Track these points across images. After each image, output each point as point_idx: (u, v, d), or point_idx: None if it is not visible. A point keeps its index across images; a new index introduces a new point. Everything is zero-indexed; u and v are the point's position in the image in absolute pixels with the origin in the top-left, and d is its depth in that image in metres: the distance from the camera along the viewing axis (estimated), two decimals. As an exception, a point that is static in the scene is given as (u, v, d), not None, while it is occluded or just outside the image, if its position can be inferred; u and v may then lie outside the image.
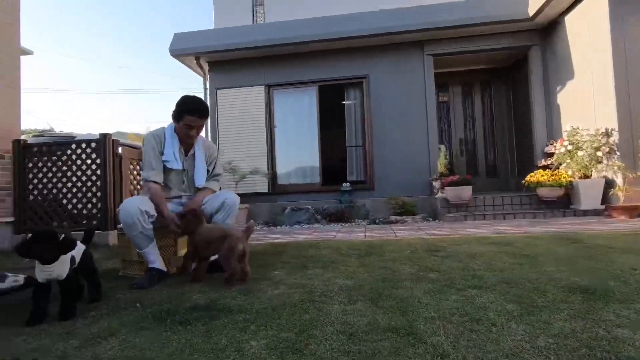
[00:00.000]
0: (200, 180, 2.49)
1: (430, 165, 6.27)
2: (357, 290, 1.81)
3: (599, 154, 4.72)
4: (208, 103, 6.88)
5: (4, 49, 4.19)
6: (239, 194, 6.54)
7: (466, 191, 5.23)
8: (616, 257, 2.29)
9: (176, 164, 2.42)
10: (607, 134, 4.74)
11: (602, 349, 1.08)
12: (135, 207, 2.19)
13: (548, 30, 6.06)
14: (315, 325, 1.37)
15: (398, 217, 5.55)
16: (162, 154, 2.39)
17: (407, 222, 5.34)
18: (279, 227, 5.64)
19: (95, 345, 1.30)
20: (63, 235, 1.62)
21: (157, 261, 2.30)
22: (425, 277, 2.01)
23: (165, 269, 2.33)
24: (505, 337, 1.20)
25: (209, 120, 6.88)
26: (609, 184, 4.78)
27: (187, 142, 2.47)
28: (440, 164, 5.99)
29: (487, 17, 5.92)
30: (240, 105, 6.82)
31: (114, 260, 3.01)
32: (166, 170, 2.42)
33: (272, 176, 6.70)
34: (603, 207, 4.75)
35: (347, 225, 5.52)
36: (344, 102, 6.88)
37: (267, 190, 6.61)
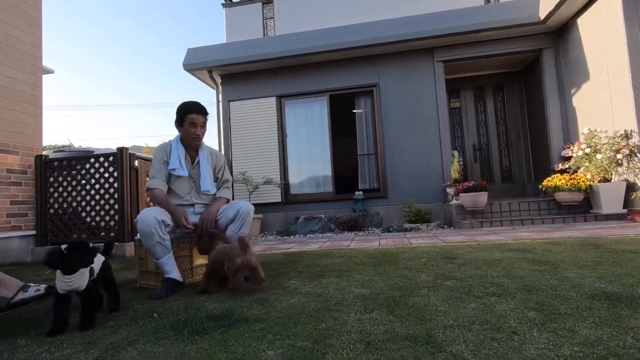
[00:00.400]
0: (206, 185, 2.54)
1: (444, 172, 6.21)
2: (373, 299, 1.79)
3: (619, 156, 4.59)
4: (221, 115, 7.03)
5: (27, 69, 4.36)
6: (252, 204, 6.60)
7: (482, 197, 5.14)
8: (642, 262, 2.21)
9: (182, 171, 2.49)
10: (627, 136, 4.62)
11: (631, 357, 1.04)
12: (152, 217, 2.23)
13: (560, 32, 5.99)
14: (332, 334, 1.36)
15: (412, 225, 5.49)
16: (167, 163, 2.49)
17: (421, 230, 5.27)
18: (292, 237, 5.65)
19: (115, 354, 1.31)
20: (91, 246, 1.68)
21: (173, 271, 2.32)
22: (442, 285, 1.98)
23: (181, 279, 2.35)
24: (528, 345, 1.16)
25: (222, 132, 7.00)
26: (631, 187, 4.64)
27: (193, 147, 2.56)
28: (454, 170, 5.93)
29: (497, 22, 5.90)
30: (252, 116, 6.92)
31: (132, 271, 3.06)
32: (174, 179, 2.51)
33: (285, 186, 6.74)
34: (625, 210, 4.61)
35: (360, 233, 5.48)
36: (354, 111, 6.90)
37: (280, 200, 6.64)
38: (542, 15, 5.68)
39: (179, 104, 2.54)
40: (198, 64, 6.85)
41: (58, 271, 1.62)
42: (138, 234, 2.29)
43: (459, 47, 6.34)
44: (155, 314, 1.77)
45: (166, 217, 2.32)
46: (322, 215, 6.22)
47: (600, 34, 5.06)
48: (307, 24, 8.01)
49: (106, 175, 4.25)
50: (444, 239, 4.01)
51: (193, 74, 7.15)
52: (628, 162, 4.66)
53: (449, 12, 6.28)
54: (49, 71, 6.97)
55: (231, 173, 6.70)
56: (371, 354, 1.17)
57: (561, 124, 6.04)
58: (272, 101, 6.88)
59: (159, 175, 2.47)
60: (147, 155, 5.01)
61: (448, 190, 5.87)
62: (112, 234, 4.16)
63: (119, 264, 3.62)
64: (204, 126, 2.54)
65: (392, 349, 1.20)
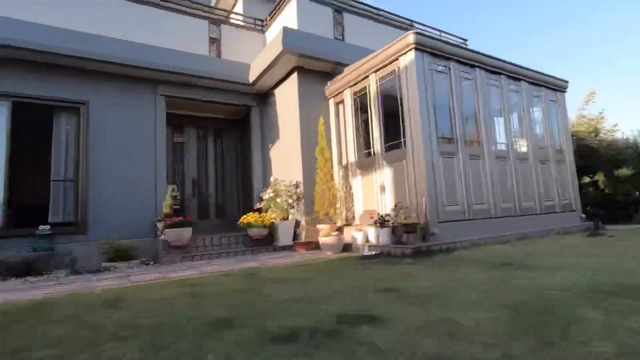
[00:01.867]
0: None
1: (157, 206, 6.10)
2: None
3: (291, 200, 6.02)
4: None
5: None
6: None
7: (186, 232, 5.36)
8: (267, 287, 2.89)
9: None
10: (297, 185, 6.15)
11: None
12: None
13: (265, 96, 7.42)
14: None
15: (110, 264, 4.98)
16: None
17: (118, 269, 4.86)
18: None
19: None
20: None
21: None
22: (77, 336, 1.83)
23: None
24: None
25: None
26: (298, 225, 6.14)
27: None
28: (166, 205, 5.93)
29: (214, 73, 6.63)
30: None
31: None
32: None
33: None
34: (293, 242, 6.02)
35: (35, 279, 4.42)
36: (52, 128, 5.74)
37: None
38: (251, 79, 6.89)
39: None
40: None
41: None
42: None
43: (183, 86, 6.64)
44: None
45: None
46: (-22, 258, 4.61)
47: (287, 105, 6.63)
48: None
49: None
50: (133, 279, 3.83)
51: None
52: (297, 205, 6.17)
53: (175, 51, 6.50)
54: None
55: None
56: None
57: (262, 170, 7.34)
58: None
59: None
60: None
61: (158, 225, 5.78)
62: None
63: None
64: None
65: None
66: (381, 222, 4.75)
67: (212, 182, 7.95)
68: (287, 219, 6.20)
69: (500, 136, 5.90)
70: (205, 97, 6.86)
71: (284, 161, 6.64)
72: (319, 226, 5.70)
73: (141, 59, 6.04)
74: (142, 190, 6.07)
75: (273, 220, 6.02)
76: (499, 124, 5.99)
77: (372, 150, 5.61)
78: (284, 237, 6.00)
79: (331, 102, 6.53)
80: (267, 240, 6.14)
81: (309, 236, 5.89)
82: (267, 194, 6.16)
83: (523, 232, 5.45)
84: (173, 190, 6.09)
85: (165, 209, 5.86)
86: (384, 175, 5.32)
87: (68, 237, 5.44)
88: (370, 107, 5.62)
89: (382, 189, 5.33)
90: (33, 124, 5.61)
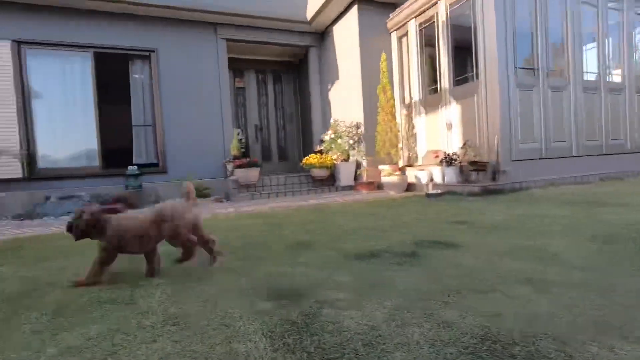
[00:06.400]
0: None
1: (225, 148, 6.47)
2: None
3: (352, 142, 6.02)
4: None
5: None
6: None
7: (254, 173, 5.69)
8: (337, 218, 3.03)
9: None
10: (357, 127, 6.10)
11: (278, 282, 1.44)
12: None
13: (323, 35, 7.17)
14: (26, 310, 1.26)
15: (190, 200, 5.50)
16: None
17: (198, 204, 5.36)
18: (36, 220, 4.63)
19: None
20: None
21: None
22: (178, 251, 2.12)
23: None
24: (212, 287, 1.43)
25: None
26: (359, 166, 6.18)
27: None
28: (234, 147, 6.26)
29: (272, 12, 6.48)
30: (-29, 62, 5.11)
31: None
32: None
33: (29, 158, 5.39)
34: (354, 183, 6.12)
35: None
36: (131, 76, 6.17)
37: (21, 176, 5.28)
38: (309, 16, 6.64)
39: None
40: None
41: None
42: None
43: (242, 28, 6.62)
44: None
45: None
46: (84, 194, 5.37)
47: (346, 43, 6.36)
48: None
49: None
50: (212, 212, 4.23)
51: None
52: (358, 146, 6.17)
53: (233, -9, 6.42)
54: None
55: None
56: (56, 320, 1.16)
57: (321, 112, 7.33)
58: (5, 46, 5.26)
59: None
60: None
61: (227, 166, 6.18)
62: None
63: None
64: None
65: (92, 311, 1.22)
66: (448, 161, 4.60)
67: (273, 126, 8.15)
68: (347, 160, 6.26)
69: (590, 64, 5.19)
70: (263, 39, 6.81)
71: (344, 102, 6.54)
72: (380, 167, 5.69)
73: (201, 2, 6.06)
74: (210, 133, 6.44)
75: (334, 162, 6.11)
76: (589, 49, 5.24)
77: (438, 86, 5.29)
78: (345, 177, 6.11)
79: (393, 37, 6.14)
80: (329, 180, 6.31)
81: (370, 177, 5.93)
82: (328, 136, 6.21)
83: (609, 172, 4.97)
84: (238, 134, 6.39)
85: (233, 151, 6.20)
86: (451, 112, 5.04)
87: (152, 176, 6.06)
88: (438, 38, 5.19)
89: (449, 127, 5.09)
90: (112, 73, 6.06)
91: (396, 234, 2.28)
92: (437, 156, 4.93)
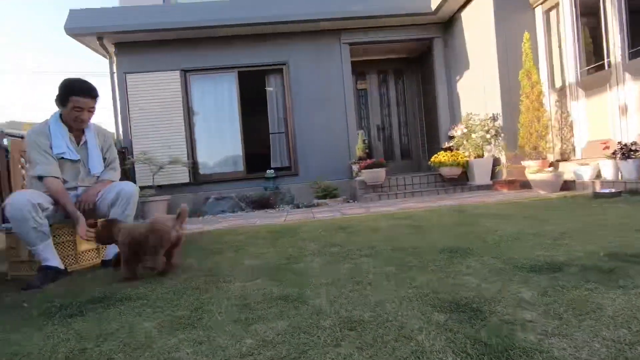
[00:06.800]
0: (96, 168, 2.37)
1: (350, 150, 6.62)
2: (260, 268, 1.93)
3: (488, 136, 5.42)
4: (116, 89, 6.40)
5: None
6: (157, 186, 6.20)
7: (380, 173, 5.64)
8: (486, 222, 2.73)
9: (72, 155, 2.27)
10: (494, 119, 5.46)
11: (445, 293, 1.33)
12: (25, 199, 2.02)
13: (448, 24, 6.68)
14: (213, 302, 1.45)
15: (320, 201, 5.80)
16: (51, 147, 2.21)
17: (328, 205, 5.61)
18: (201, 218, 5.53)
19: (-32, 347, 1.22)
20: None
21: (52, 259, 2.15)
22: (327, 252, 2.20)
23: (62, 267, 2.20)
24: (376, 292, 1.40)
25: (118, 108, 6.39)
26: (496, 162, 5.53)
27: (77, 129, 2.32)
28: (359, 149, 6.35)
29: (396, 8, 6.33)
30: (154, 91, 6.42)
31: (2, 264, 2.73)
32: (59, 163, 2.25)
33: (194, 166, 6.49)
34: (492, 182, 5.50)
35: (271, 211, 5.61)
36: (265, 89, 6.86)
37: (188, 181, 6.39)
38: (433, 6, 6.26)
39: (64, 79, 2.19)
40: (85, 28, 6.04)
41: None
42: (9, 221, 2.06)
43: (363, 31, 6.67)
44: (25, 304, 1.66)
45: (44, 199, 2.12)
46: (233, 195, 6.18)
47: (477, 28, 5.78)
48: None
49: (-35, 156, 3.61)
50: (344, 212, 4.35)
51: (79, 41, 6.31)
52: (495, 141, 5.52)
53: (355, -5, 6.52)
54: None
55: (132, 153, 6.20)
56: (243, 314, 1.29)
57: (448, 107, 6.84)
58: (176, 75, 6.45)
59: (48, 161, 2.17)
60: (21, 132, 4.37)
61: (353, 167, 6.30)
62: (-21, 224, 3.60)
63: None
64: (91, 110, 2.27)
65: (264, 308, 1.34)
66: (624, 152, 3.71)
67: (395, 124, 7.99)
68: (482, 156, 5.68)
69: None
70: (385, 38, 6.72)
71: (476, 93, 5.95)
72: (524, 163, 4.97)
73: (326, 10, 6.33)
74: (336, 136, 6.66)
75: (467, 159, 5.61)
76: None
77: (605, 61, 4.33)
78: (480, 175, 5.55)
79: (538, 11, 5.30)
80: (460, 179, 5.83)
81: (511, 174, 5.25)
82: (460, 130, 5.73)
83: None
84: (362, 135, 6.45)
85: (358, 153, 6.28)
86: (626, 92, 4.06)
87: (285, 179, 6.60)
88: (605, 3, 4.26)
89: (623, 111, 4.11)
90: (252, 88, 6.83)
91: (573, 242, 1.90)
92: (606, 147, 4.05)
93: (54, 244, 2.20)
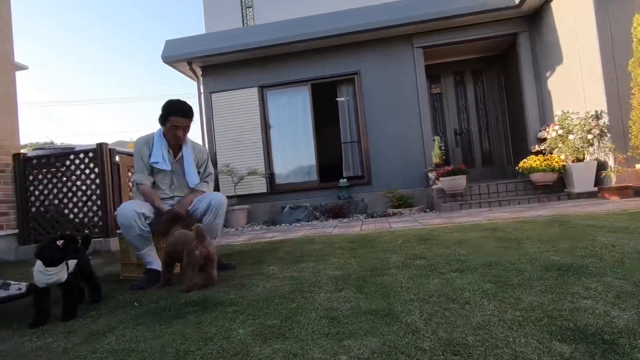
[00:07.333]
0: (192, 180, 2.57)
1: (425, 157, 6.34)
2: (345, 279, 1.89)
3: (590, 136, 4.76)
4: (203, 107, 7.00)
5: (-1, 66, 4.28)
6: (238, 196, 6.61)
7: (461, 181, 5.28)
8: (599, 235, 2.35)
9: (164, 165, 2.51)
10: (597, 117, 4.78)
11: (563, 318, 1.15)
12: (131, 209, 2.28)
13: (535, 16, 6.09)
14: (301, 312, 1.45)
15: (395, 210, 5.62)
16: (150, 156, 2.49)
17: (404, 214, 5.41)
18: (278, 226, 5.73)
19: (94, 340, 1.38)
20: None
21: (154, 262, 2.38)
22: (411, 264, 2.08)
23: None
24: (476, 313, 1.27)
25: (204, 124, 6.98)
26: (601, 166, 4.82)
27: (175, 144, 2.55)
28: (435, 155, 6.04)
29: (474, 7, 5.96)
30: (235, 107, 6.90)
31: (116, 265, 3.10)
32: (156, 172, 2.52)
33: (270, 176, 6.79)
34: (596, 189, 4.80)
35: (345, 220, 5.59)
36: (337, 99, 6.94)
37: (265, 191, 6.69)
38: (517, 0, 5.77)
39: (166, 100, 2.47)
40: (177, 55, 6.77)
41: (37, 264, 1.67)
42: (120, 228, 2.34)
43: (437, 32, 6.40)
44: (135, 303, 1.84)
45: (146, 209, 2.37)
46: (308, 204, 6.31)
47: (572, 18, 5.17)
48: (286, 12, 7.94)
49: (87, 171, 4.24)
50: (422, 222, 4.14)
51: (173, 66, 7.07)
52: (599, 142, 4.83)
53: (428, -3, 6.31)
54: (22, 67, 6.82)
55: (215, 165, 6.71)
56: (333, 327, 1.26)
57: (537, 106, 6.19)
58: (254, 92, 6.86)
59: (143, 170, 2.48)
60: (127, 150, 5.00)
61: (429, 175, 6.00)
62: (97, 230, 4.18)
63: (103, 258, 3.65)
64: (187, 129, 2.51)
65: (354, 322, 1.29)
66: None
67: (475, 129, 7.47)
68: (582, 160, 5.01)
69: None
70: (461, 38, 6.37)
71: (571, 89, 5.30)
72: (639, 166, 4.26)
73: (397, 17, 6.22)
74: (410, 144, 6.45)
75: (564, 163, 4.99)
76: None
77: None
78: (581, 181, 4.89)
79: (652, -11, 4.55)
80: (555, 186, 5.21)
81: (622, 179, 4.53)
82: (552, 132, 5.14)
83: None
84: (438, 141, 6.13)
85: (435, 159, 5.98)
86: None
87: (358, 188, 6.55)
88: None
89: None
90: (324, 99, 6.96)
91: None
92: None
93: (157, 249, 2.44)
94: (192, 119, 2.52)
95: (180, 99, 2.49)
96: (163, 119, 2.47)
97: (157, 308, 1.70)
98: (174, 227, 2.24)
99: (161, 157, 2.49)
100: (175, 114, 2.43)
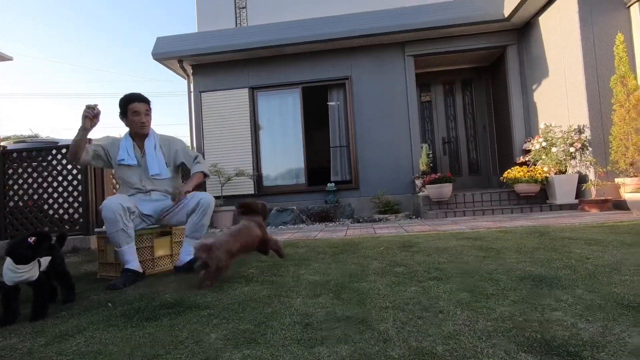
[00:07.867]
0: (153, 169, 2.59)
1: (413, 164, 6.39)
2: (323, 285, 1.89)
3: (572, 149, 4.87)
4: (192, 106, 6.94)
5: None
6: (225, 197, 6.54)
7: (446, 189, 5.34)
8: (575, 248, 2.40)
9: (131, 160, 2.56)
10: (580, 131, 4.90)
11: (531, 329, 1.17)
12: (118, 203, 2.28)
13: (523, 30, 6.22)
14: (276, 317, 1.44)
15: (381, 216, 5.65)
16: (109, 152, 2.58)
17: (389, 220, 5.44)
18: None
19: (62, 342, 1.35)
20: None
21: (133, 262, 2.34)
22: (391, 271, 2.09)
23: (141, 270, 2.38)
24: (449, 322, 1.28)
25: (193, 123, 6.92)
26: (582, 179, 4.93)
27: (140, 137, 2.60)
28: (422, 163, 6.10)
29: (465, 18, 6.06)
30: (225, 107, 6.86)
31: (94, 264, 3.04)
32: (124, 169, 2.56)
33: (258, 178, 6.75)
34: (577, 201, 4.90)
35: (331, 224, 5.60)
36: (327, 103, 6.96)
37: (253, 192, 6.66)
38: (507, 13, 5.88)
39: (120, 97, 2.56)
40: (168, 53, 6.71)
41: (8, 262, 1.63)
42: (104, 223, 2.31)
43: (429, 42, 6.49)
44: (109, 304, 1.81)
45: (131, 204, 2.38)
46: (294, 207, 6.29)
47: (558, 32, 5.29)
48: (280, 15, 7.94)
49: (69, 166, 4.16)
50: (407, 229, 4.16)
51: (163, 64, 7.01)
52: (580, 155, 4.94)
53: (421, 6, 6.39)
54: (6, 58, 6.66)
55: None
56: (306, 333, 1.26)
57: (523, 118, 6.31)
58: (244, 92, 6.84)
59: (98, 148, 2.52)
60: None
61: (416, 182, 6.06)
62: (77, 227, 4.10)
63: (82, 256, 3.58)
64: (148, 114, 2.59)
65: (327, 329, 1.29)
66: None
67: (462, 138, 7.57)
68: (564, 172, 5.12)
69: None
70: (452, 48, 6.46)
71: (556, 103, 5.42)
72: (619, 180, 4.38)
73: (390, 24, 6.28)
74: (398, 150, 6.50)
75: (547, 175, 5.09)
76: None
77: None
78: (562, 193, 4.99)
79: (634, 10, 4.70)
80: (538, 197, 5.30)
81: (601, 193, 4.64)
82: (537, 144, 5.24)
83: None
84: (426, 149, 6.20)
85: (422, 167, 6.04)
86: None
87: (345, 192, 6.56)
88: None
89: None
90: (315, 103, 6.97)
91: (695, 279, 1.58)
92: None
93: (136, 249, 2.41)
94: (149, 103, 2.60)
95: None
96: (123, 110, 2.54)
97: (131, 309, 1.67)
98: (222, 272, 2.04)
99: (126, 153, 2.55)
100: (132, 101, 2.52)
